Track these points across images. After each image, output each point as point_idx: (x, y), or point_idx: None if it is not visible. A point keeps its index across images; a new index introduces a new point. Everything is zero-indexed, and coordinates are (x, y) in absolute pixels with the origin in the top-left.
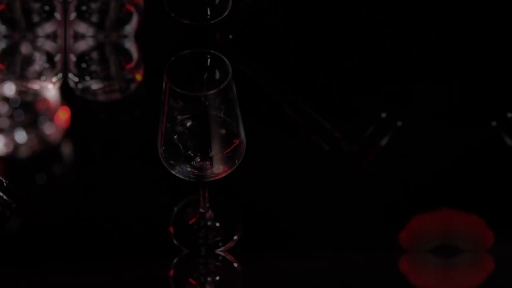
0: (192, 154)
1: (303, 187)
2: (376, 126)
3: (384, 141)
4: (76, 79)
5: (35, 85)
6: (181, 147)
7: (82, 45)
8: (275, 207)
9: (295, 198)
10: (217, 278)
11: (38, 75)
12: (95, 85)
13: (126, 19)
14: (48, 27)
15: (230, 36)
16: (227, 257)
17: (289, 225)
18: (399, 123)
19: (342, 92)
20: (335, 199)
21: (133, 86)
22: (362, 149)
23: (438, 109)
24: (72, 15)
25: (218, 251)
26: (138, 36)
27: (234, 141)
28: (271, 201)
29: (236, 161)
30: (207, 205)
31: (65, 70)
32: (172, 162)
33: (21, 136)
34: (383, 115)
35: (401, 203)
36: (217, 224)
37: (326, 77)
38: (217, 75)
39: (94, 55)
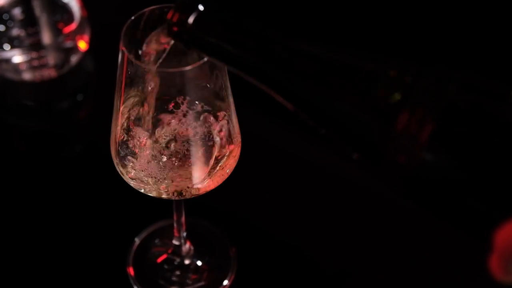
0: (160, 159)
1: (317, 207)
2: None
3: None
4: None
5: None
6: (144, 148)
7: None
8: (280, 237)
9: (306, 221)
10: None
11: None
12: (18, 58)
13: None
14: None
15: None
16: None
17: (301, 262)
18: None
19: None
20: (358, 232)
21: (74, 59)
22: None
23: None
24: None
25: None
26: None
27: (224, 141)
28: (275, 229)
29: (227, 170)
30: (184, 234)
31: None
32: (130, 169)
33: None
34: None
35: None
36: (199, 263)
37: None
38: None
39: (17, 12)
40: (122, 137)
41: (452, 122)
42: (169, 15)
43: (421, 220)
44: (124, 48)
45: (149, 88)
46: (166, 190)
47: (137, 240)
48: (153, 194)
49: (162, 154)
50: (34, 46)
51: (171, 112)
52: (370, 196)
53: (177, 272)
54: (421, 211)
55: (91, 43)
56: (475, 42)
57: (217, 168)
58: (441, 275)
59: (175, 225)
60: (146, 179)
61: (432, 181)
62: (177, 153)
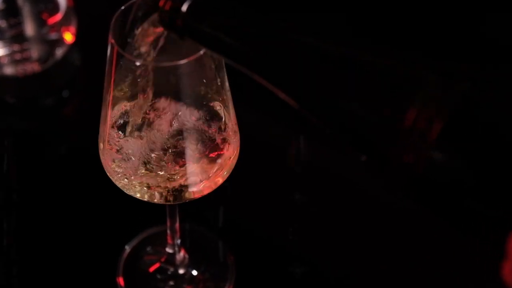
0: (154, 158)
1: (317, 210)
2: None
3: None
4: None
5: None
6: (137, 146)
7: None
8: (280, 243)
9: (306, 226)
10: None
11: None
12: None
13: None
14: None
15: None
16: None
17: (301, 268)
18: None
19: None
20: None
21: (59, 53)
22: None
23: None
24: None
25: None
26: None
27: (222, 140)
28: (275, 234)
29: (225, 173)
30: (178, 242)
31: None
32: (121, 170)
33: None
34: None
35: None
36: (194, 273)
37: None
38: None
39: None
40: (112, 136)
41: (463, 120)
42: (161, 3)
43: (422, 221)
44: (113, 41)
45: (142, 83)
46: (158, 193)
47: (127, 248)
48: (144, 197)
49: (155, 155)
50: (16, 38)
51: (165, 109)
52: (370, 197)
53: (171, 282)
54: (422, 213)
55: (78, 35)
56: (483, 38)
57: (214, 170)
58: (442, 276)
59: (168, 231)
60: (137, 181)
61: (441, 182)
62: (171, 154)
